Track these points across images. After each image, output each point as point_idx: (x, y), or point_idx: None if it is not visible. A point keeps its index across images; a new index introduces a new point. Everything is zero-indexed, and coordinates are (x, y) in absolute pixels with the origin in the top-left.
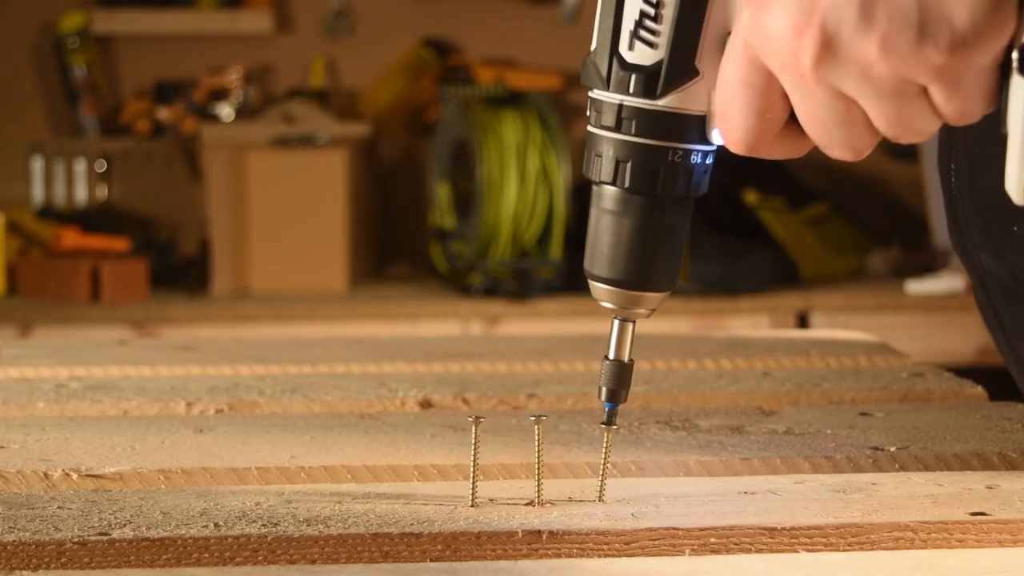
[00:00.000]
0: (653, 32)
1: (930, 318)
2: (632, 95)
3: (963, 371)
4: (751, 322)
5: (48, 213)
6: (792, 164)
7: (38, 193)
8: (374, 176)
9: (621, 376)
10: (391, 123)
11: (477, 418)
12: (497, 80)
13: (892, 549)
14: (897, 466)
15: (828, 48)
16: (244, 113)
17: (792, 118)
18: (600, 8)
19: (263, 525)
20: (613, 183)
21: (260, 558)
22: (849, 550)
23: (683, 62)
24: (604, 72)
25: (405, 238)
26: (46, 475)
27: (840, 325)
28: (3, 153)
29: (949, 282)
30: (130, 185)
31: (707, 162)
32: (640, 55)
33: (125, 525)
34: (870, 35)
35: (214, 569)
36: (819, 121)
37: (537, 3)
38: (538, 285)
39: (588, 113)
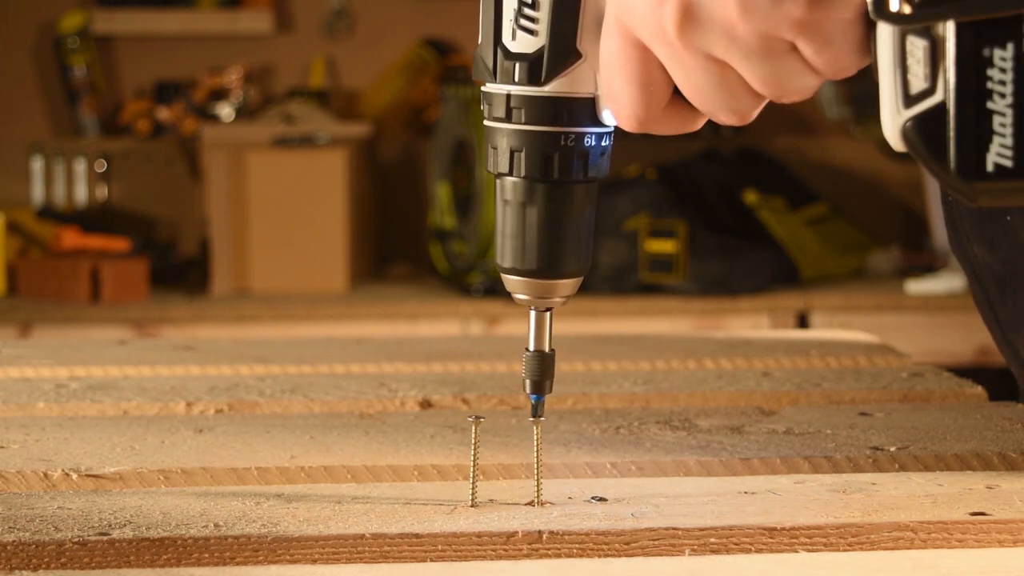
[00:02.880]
0: (532, 20)
1: (930, 318)
2: (518, 83)
3: (963, 371)
4: (751, 322)
5: (48, 213)
6: (792, 164)
7: (38, 193)
8: (374, 176)
9: (543, 367)
10: (391, 123)
11: (477, 418)
12: None
13: (892, 549)
14: (897, 466)
15: (689, 13)
16: (244, 113)
17: (678, 92)
18: (482, 1)
19: (263, 525)
20: (510, 173)
21: (260, 558)
22: (849, 550)
23: (564, 46)
24: (490, 64)
25: (405, 238)
26: (46, 475)
27: (840, 325)
28: (3, 153)
29: (949, 282)
30: (130, 185)
31: (603, 144)
32: (522, 43)
33: (125, 525)
34: None
35: (214, 569)
36: (697, 88)
37: None
38: None
39: (482, 107)
